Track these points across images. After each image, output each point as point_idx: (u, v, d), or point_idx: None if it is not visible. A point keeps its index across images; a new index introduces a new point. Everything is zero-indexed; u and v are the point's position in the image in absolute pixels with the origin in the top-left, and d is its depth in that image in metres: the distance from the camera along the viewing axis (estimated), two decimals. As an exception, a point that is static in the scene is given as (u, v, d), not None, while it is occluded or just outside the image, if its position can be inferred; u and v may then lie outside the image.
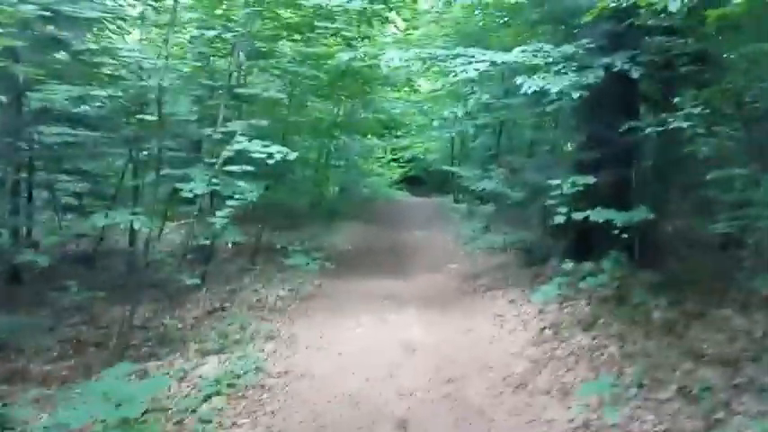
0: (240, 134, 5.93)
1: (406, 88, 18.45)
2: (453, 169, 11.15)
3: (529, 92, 5.85)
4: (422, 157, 25.73)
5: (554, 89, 5.71)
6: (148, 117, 6.44)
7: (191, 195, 5.42)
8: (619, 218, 6.11)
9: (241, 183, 6.44)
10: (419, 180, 27.50)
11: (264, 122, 6.91)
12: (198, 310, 7.30)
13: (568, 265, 6.13)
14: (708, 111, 5.03)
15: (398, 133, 21.76)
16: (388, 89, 16.35)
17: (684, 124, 4.83)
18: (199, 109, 8.66)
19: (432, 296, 8.16)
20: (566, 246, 8.88)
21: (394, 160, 25.38)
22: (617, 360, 5.38)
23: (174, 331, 6.58)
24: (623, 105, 8.31)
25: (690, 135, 5.74)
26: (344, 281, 9.10)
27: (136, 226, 5.17)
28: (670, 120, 5.09)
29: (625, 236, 6.30)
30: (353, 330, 6.49)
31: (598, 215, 5.99)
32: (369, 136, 16.05)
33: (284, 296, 7.82)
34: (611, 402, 4.46)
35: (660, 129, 6.03)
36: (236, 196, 6.30)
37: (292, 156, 5.87)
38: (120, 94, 7.47)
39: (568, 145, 9.42)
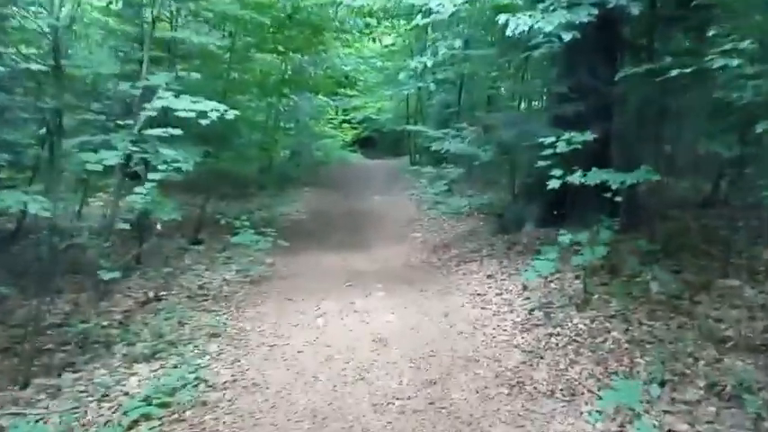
0: (165, 89, 4.71)
1: (360, 41, 17.18)
2: (418, 128, 10.05)
3: (516, 32, 4.83)
4: (374, 117, 24.59)
5: (547, 28, 4.73)
6: (40, 67, 5.07)
7: (99, 168, 4.21)
8: (616, 179, 5.21)
9: (168, 150, 5.21)
10: (372, 141, 26.35)
11: (196, 75, 5.67)
12: (129, 302, 6.12)
13: (565, 236, 5.17)
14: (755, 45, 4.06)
15: (351, 92, 20.47)
16: (339, 44, 15.05)
17: (734, 62, 3.85)
18: (121, 64, 7.28)
19: (399, 272, 7.20)
20: (539, 210, 8.04)
21: (345, 122, 24.17)
22: (624, 348, 4.55)
23: (99, 330, 5.40)
24: (606, 53, 7.41)
25: (725, 78, 4.79)
26: (301, 257, 8.04)
27: (32, 209, 3.95)
28: (708, 59, 4.08)
29: (616, 198, 5.44)
30: (314, 320, 5.46)
31: (595, 177, 5.08)
32: (320, 95, 14.76)
33: (231, 279, 6.72)
34: (636, 407, 3.61)
35: (660, 77, 5.12)
36: (162, 167, 5.10)
37: (231, 114, 4.70)
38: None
39: (541, 99, 8.48)
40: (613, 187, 5.29)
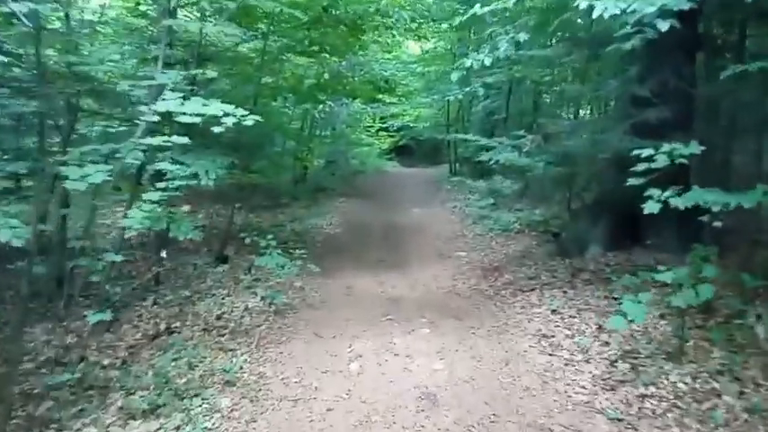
0: (170, 89, 3.84)
1: (400, 46, 16.26)
2: (465, 137, 9.01)
3: (606, 16, 3.79)
4: (412, 125, 23.71)
5: (647, 9, 3.67)
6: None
7: (82, 186, 3.33)
8: (723, 200, 4.10)
9: (176, 162, 4.35)
10: (409, 149, 25.42)
11: (213, 74, 4.82)
12: (137, 334, 5.27)
13: (665, 273, 4.08)
14: None
15: (389, 99, 19.56)
16: (378, 48, 14.16)
17: None
18: (134, 65, 6.49)
19: (444, 301, 6.19)
20: (606, 231, 6.93)
21: (383, 129, 23.34)
22: (743, 419, 3.47)
23: (97, 371, 4.55)
24: (686, 52, 6.29)
25: None
26: (333, 278, 7.09)
27: (3, 238, 3.10)
28: None
29: (715, 223, 4.33)
30: (347, 365, 4.50)
31: (696, 197, 3.99)
32: (357, 101, 13.89)
33: (254, 308, 5.81)
34: None
35: None
36: (171, 183, 4.23)
37: (249, 120, 3.79)
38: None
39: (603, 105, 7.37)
40: (714, 209, 4.19)
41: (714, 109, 6.32)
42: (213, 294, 6.28)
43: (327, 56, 9.06)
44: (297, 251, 8.12)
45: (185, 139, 3.80)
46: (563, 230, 7.74)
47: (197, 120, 3.49)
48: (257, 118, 3.87)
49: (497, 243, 8.49)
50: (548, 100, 12.68)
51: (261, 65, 8.03)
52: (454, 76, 5.92)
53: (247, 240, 6.91)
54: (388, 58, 14.44)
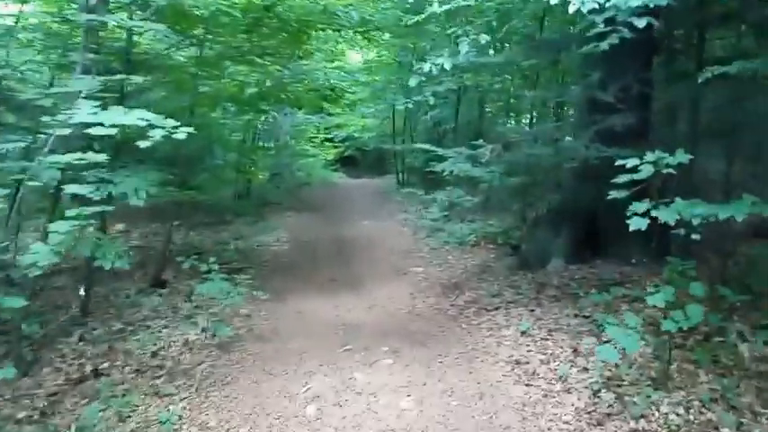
0: (84, 97, 3.20)
1: (341, 55, 15.79)
2: (423, 146, 8.52)
3: (584, 10, 3.42)
4: (357, 135, 23.26)
5: (633, 3, 3.31)
6: None
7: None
8: (703, 212, 3.77)
9: (110, 178, 3.69)
10: (354, 160, 24.94)
11: (139, 79, 4.17)
12: (59, 379, 4.53)
13: (654, 295, 3.69)
14: None
15: (334, 110, 19.01)
16: (322, 56, 13.61)
17: None
18: (51, 72, 5.72)
19: (405, 324, 5.69)
20: (568, 243, 6.63)
21: (328, 140, 22.77)
22: (749, 457, 3.12)
23: (10, 428, 3.82)
24: (644, 55, 6.07)
25: None
26: (283, 303, 6.49)
27: None
28: None
29: (693, 236, 4.00)
30: (303, 409, 3.93)
31: (679, 209, 3.65)
32: (302, 111, 13.29)
33: (195, 342, 5.14)
34: None
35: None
36: (85, 210, 3.57)
37: (181, 133, 3.20)
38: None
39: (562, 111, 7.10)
40: (694, 222, 3.86)
41: (673, 114, 6.12)
42: (148, 326, 5.57)
43: (269, 63, 8.45)
44: (242, 274, 7.48)
45: (101, 157, 3.17)
46: (522, 243, 7.41)
47: (113, 132, 2.86)
48: (189, 130, 3.29)
49: (454, 257, 8.08)
50: (491, 110, 12.48)
51: (197, 72, 7.35)
52: (413, 82, 5.46)
53: (186, 265, 6.19)
54: (333, 68, 13.89)
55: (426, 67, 4.79)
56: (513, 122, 10.21)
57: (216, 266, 5.89)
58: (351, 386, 4.21)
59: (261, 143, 13.41)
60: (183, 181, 8.54)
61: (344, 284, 7.35)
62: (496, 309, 5.70)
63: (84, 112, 2.93)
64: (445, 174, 7.90)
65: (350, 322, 5.72)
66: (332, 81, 10.03)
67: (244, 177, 11.27)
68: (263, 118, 11.14)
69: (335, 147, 22.96)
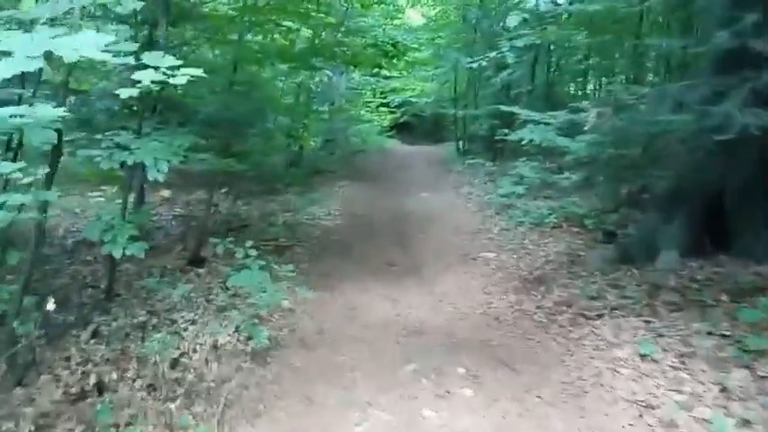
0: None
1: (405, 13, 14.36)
2: (512, 109, 7.10)
3: None
4: (413, 100, 21.90)
5: None
6: None
7: None
8: None
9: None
10: (410, 126, 23.59)
11: (133, 4, 3.03)
12: (56, 393, 3.57)
13: None
14: None
15: (391, 72, 17.64)
16: (380, 13, 12.25)
17: None
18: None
19: (483, 331, 4.49)
20: (685, 231, 5.22)
21: (383, 105, 21.51)
22: None
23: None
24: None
25: None
26: (332, 293, 5.39)
27: None
28: None
29: None
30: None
31: None
32: (358, 70, 12.04)
33: (225, 347, 4.09)
34: None
35: None
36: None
37: (182, 77, 2.06)
38: None
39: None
40: None
41: None
42: (173, 321, 4.58)
43: (323, 15, 7.20)
44: (288, 254, 6.45)
45: (56, 112, 2.05)
46: (618, 229, 6.03)
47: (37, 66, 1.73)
48: (195, 71, 2.13)
49: (531, 242, 6.78)
50: (568, 71, 10.87)
51: (241, 21, 6.20)
52: (513, 21, 4.14)
53: (223, 245, 5.14)
54: (394, 25, 12.49)
55: (513, 21, 3.47)
56: (600, 85, 8.65)
57: (254, 252, 4.80)
58: (414, 415, 3.07)
59: (314, 106, 12.30)
60: (227, 147, 7.54)
61: (404, 272, 6.19)
62: (599, 316, 4.41)
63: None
64: (524, 143, 6.56)
65: (413, 326, 4.56)
66: (393, 37, 8.65)
67: (295, 143, 10.20)
68: (316, 78, 9.98)
69: (391, 112, 21.71)
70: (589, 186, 5.64)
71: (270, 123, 9.12)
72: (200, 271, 6.07)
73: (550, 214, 7.27)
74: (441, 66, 15.69)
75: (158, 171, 3.78)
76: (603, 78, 8.72)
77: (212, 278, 5.74)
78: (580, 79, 10.10)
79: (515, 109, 6.20)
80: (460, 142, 15.13)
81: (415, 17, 17.40)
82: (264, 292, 4.34)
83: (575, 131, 6.05)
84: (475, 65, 7.96)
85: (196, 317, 4.66)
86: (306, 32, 6.91)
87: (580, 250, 6.07)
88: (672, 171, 5.19)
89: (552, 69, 9.79)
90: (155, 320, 4.66)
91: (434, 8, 15.39)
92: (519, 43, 6.78)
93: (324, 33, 6.84)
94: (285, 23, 6.89)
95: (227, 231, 7.79)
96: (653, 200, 5.56)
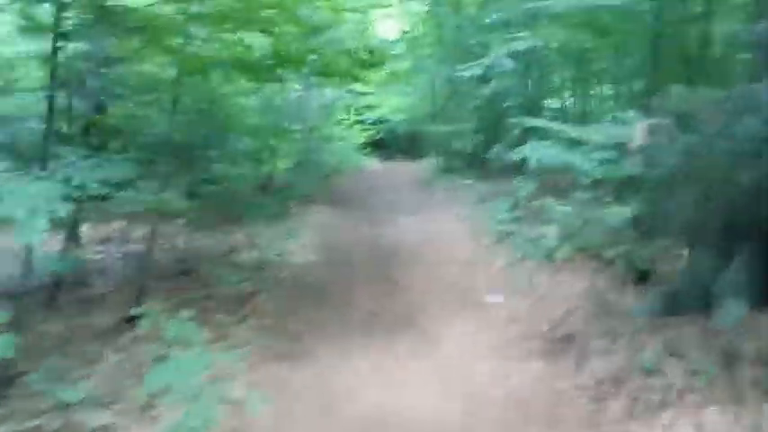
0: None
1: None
2: (536, 122, 5.72)
3: None
4: (389, 117, 20.88)
5: None
6: None
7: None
8: None
9: None
10: (385, 143, 22.39)
11: None
12: None
13: None
14: None
15: (365, 88, 16.40)
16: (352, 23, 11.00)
17: None
18: None
19: (507, 422, 3.18)
20: (748, 272, 4.01)
21: (358, 122, 20.34)
22: None
23: None
24: None
25: None
26: (301, 368, 4.04)
27: None
28: None
29: None
30: None
31: None
32: (330, 87, 10.78)
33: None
34: None
35: None
36: None
37: None
38: None
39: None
40: None
41: None
42: (87, 411, 3.18)
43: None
44: (248, 306, 5.11)
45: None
46: (653, 267, 4.81)
47: None
48: None
49: (544, 280, 5.52)
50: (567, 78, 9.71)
51: (185, 26, 4.87)
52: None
53: (164, 300, 3.77)
54: (366, 36, 11.24)
55: None
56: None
57: (193, 319, 3.44)
58: None
59: (287, 124, 10.91)
60: (176, 175, 6.23)
61: (393, 323, 4.88)
62: (664, 407, 3.14)
63: None
64: (532, 164, 5.35)
65: (414, 425, 3.23)
66: (370, 45, 7.34)
67: (264, 167, 8.82)
68: (286, 93, 8.68)
69: (367, 129, 20.54)
70: (645, 225, 4.40)
71: (232, 146, 7.77)
72: (137, 333, 4.68)
73: (561, 245, 6.03)
74: (416, 80, 14.59)
75: (31, 232, 2.41)
76: (611, 85, 7.56)
77: (148, 344, 4.34)
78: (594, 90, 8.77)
79: (541, 122, 4.94)
80: (441, 159, 13.91)
81: (389, 30, 16.24)
82: (197, 397, 2.96)
83: (610, 149, 4.85)
84: (467, 73, 6.73)
85: (112, 419, 3.27)
86: (265, 40, 5.59)
87: (608, 293, 4.82)
88: (725, 196, 3.97)
89: (547, 77, 8.61)
90: (57, 423, 3.27)
91: (409, 20, 14.29)
92: (521, 45, 5.58)
93: (291, 41, 5.52)
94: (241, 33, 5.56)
95: (179, 274, 6.43)
96: (699, 231, 4.36)
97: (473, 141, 10.64)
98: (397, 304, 5.42)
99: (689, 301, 4.12)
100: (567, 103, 9.73)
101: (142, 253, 7.22)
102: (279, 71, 6.12)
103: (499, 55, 5.71)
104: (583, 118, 7.02)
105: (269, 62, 5.64)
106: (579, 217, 5.26)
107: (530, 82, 7.92)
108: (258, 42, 5.72)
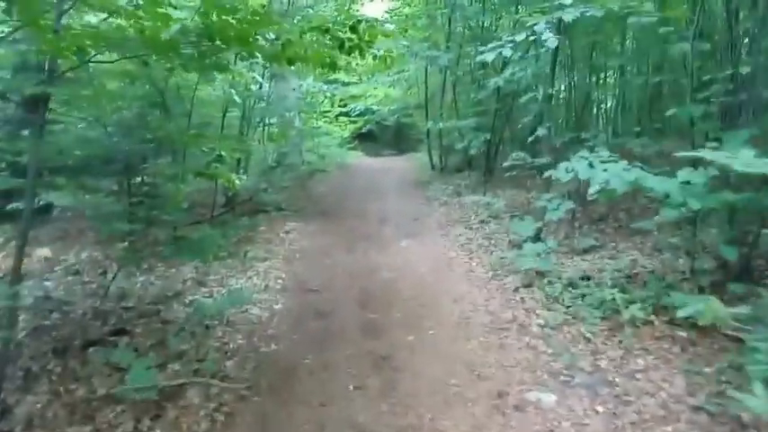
0: None
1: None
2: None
3: None
4: (376, 108, 19.02)
5: None
6: None
7: None
8: None
9: None
10: (372, 136, 20.43)
11: None
12: None
13: None
14: None
15: (349, 79, 14.38)
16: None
17: None
18: None
19: None
20: None
21: (343, 114, 18.42)
22: None
23: None
24: None
25: None
26: None
27: None
28: None
29: None
30: None
31: None
32: (311, 78, 8.80)
33: None
34: None
35: None
36: None
37: None
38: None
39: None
40: None
41: None
42: None
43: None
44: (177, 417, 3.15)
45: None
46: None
47: None
48: None
49: (610, 364, 3.57)
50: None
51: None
52: None
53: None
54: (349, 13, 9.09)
55: None
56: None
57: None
58: None
59: (256, 120, 8.81)
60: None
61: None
62: None
63: None
64: (594, 189, 3.41)
65: None
66: (355, 17, 5.33)
67: (220, 181, 6.76)
68: (242, 88, 6.64)
69: (352, 122, 18.57)
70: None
71: (168, 160, 5.72)
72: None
73: (621, 299, 4.07)
74: (404, 69, 12.59)
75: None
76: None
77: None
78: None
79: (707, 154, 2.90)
80: (435, 156, 11.92)
81: (376, 9, 14.09)
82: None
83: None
84: (490, 56, 4.71)
85: None
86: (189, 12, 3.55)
87: (726, 391, 2.88)
88: None
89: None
90: None
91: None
92: (568, 15, 3.60)
93: (227, 12, 3.45)
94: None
95: (110, 334, 4.38)
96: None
97: (477, 140, 8.67)
98: (398, 405, 3.46)
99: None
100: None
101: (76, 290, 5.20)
102: (217, 56, 4.06)
103: (540, 28, 3.76)
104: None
105: (194, 41, 3.59)
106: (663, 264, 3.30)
107: (555, 73, 5.79)
108: (179, 14, 3.66)
